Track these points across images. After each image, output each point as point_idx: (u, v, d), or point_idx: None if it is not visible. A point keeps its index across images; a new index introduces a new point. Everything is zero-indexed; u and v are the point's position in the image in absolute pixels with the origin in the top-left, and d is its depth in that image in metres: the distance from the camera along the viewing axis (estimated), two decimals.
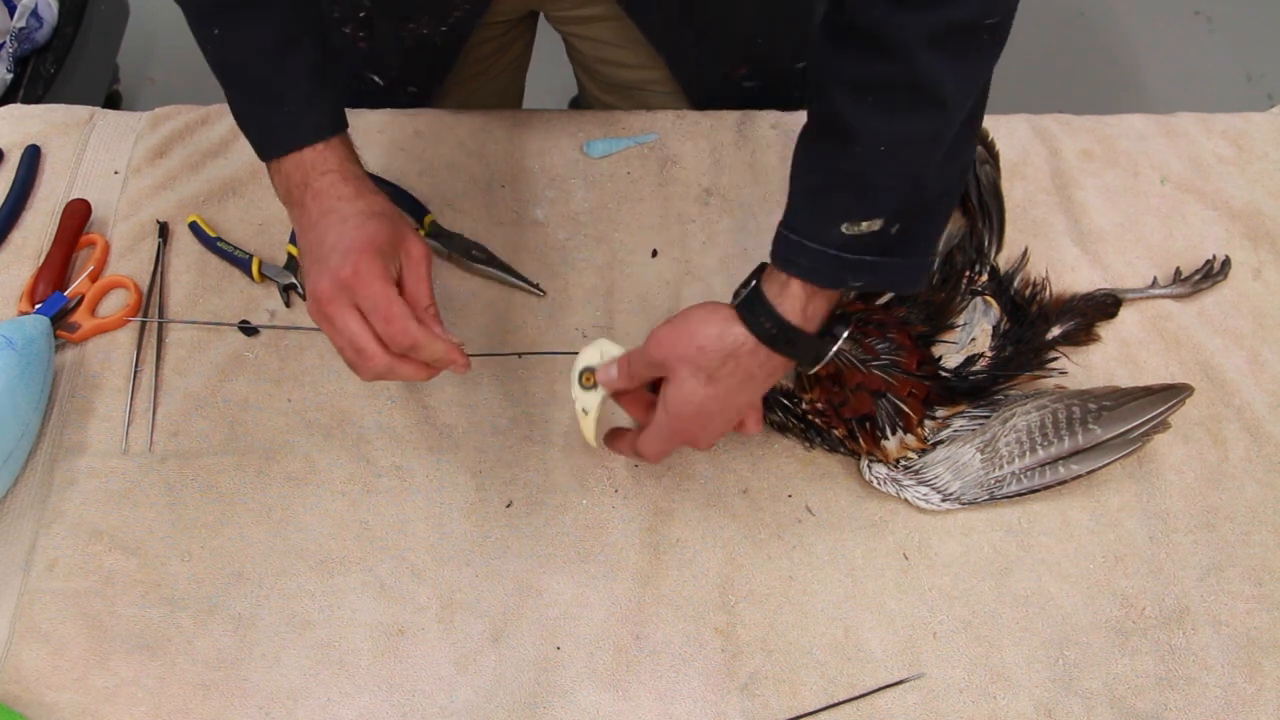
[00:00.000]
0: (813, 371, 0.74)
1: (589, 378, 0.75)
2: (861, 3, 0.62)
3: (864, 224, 0.66)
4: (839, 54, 0.65)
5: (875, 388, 0.83)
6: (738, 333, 0.69)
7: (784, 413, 0.84)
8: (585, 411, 0.76)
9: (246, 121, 0.75)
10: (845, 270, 0.68)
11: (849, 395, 0.83)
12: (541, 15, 1.09)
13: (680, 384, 0.71)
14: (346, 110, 0.76)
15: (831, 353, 0.72)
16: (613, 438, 0.79)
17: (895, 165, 0.66)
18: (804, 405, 0.83)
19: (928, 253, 0.72)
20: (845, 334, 0.72)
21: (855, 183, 0.66)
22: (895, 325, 0.87)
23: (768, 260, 0.70)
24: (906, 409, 0.83)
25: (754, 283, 0.70)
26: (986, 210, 0.96)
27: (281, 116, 0.73)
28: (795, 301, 0.69)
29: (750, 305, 0.69)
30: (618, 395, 0.77)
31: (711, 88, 1.08)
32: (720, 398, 0.71)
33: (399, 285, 0.71)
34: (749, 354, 0.70)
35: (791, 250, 0.68)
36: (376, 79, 1.06)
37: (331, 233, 0.71)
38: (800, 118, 1.07)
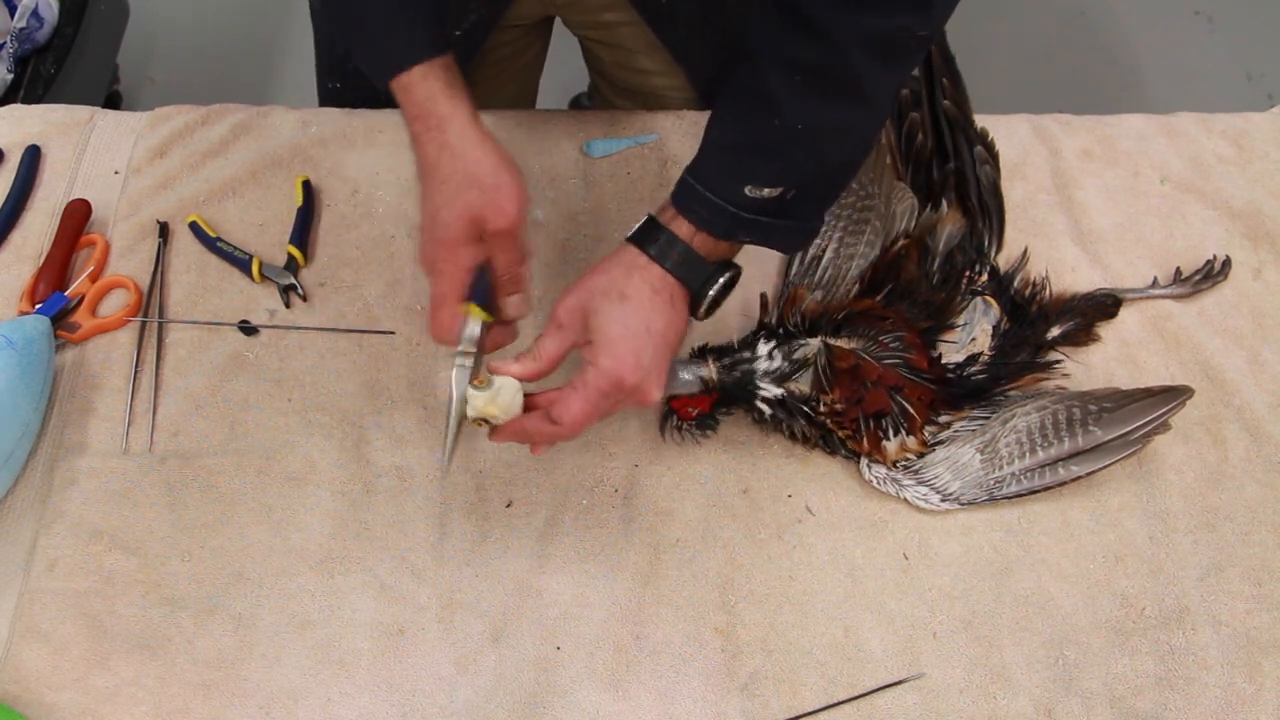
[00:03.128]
0: (703, 313, 0.75)
1: (482, 380, 0.71)
2: None
3: (766, 190, 0.70)
4: (780, 33, 0.69)
5: (891, 383, 0.83)
6: (630, 251, 0.73)
7: (805, 419, 0.83)
8: (472, 405, 0.71)
9: (357, 53, 0.77)
10: (739, 227, 0.72)
11: (865, 392, 0.83)
12: (557, 19, 1.09)
13: (598, 311, 0.71)
14: (354, 110, 0.76)
15: (716, 289, 0.73)
16: (514, 423, 0.73)
17: (810, 144, 0.70)
18: (823, 408, 0.83)
19: (815, 219, 0.76)
20: (725, 277, 0.74)
21: (770, 152, 0.70)
22: (903, 323, 0.87)
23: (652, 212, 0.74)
24: (913, 411, 0.83)
25: (646, 217, 0.74)
26: (986, 210, 0.96)
27: (378, 42, 0.74)
28: (682, 227, 0.72)
29: (641, 230, 0.73)
30: (494, 432, 0.73)
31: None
32: (638, 313, 0.71)
33: (491, 259, 0.73)
34: (644, 267, 0.72)
35: (693, 199, 0.72)
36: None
37: (433, 197, 0.72)
38: None
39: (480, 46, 1.02)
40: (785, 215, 0.73)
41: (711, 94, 1.07)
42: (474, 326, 0.72)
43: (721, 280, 0.74)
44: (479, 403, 0.71)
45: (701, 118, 1.05)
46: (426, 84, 0.72)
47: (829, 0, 0.66)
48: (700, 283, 0.73)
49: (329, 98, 1.10)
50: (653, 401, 0.73)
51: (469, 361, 0.72)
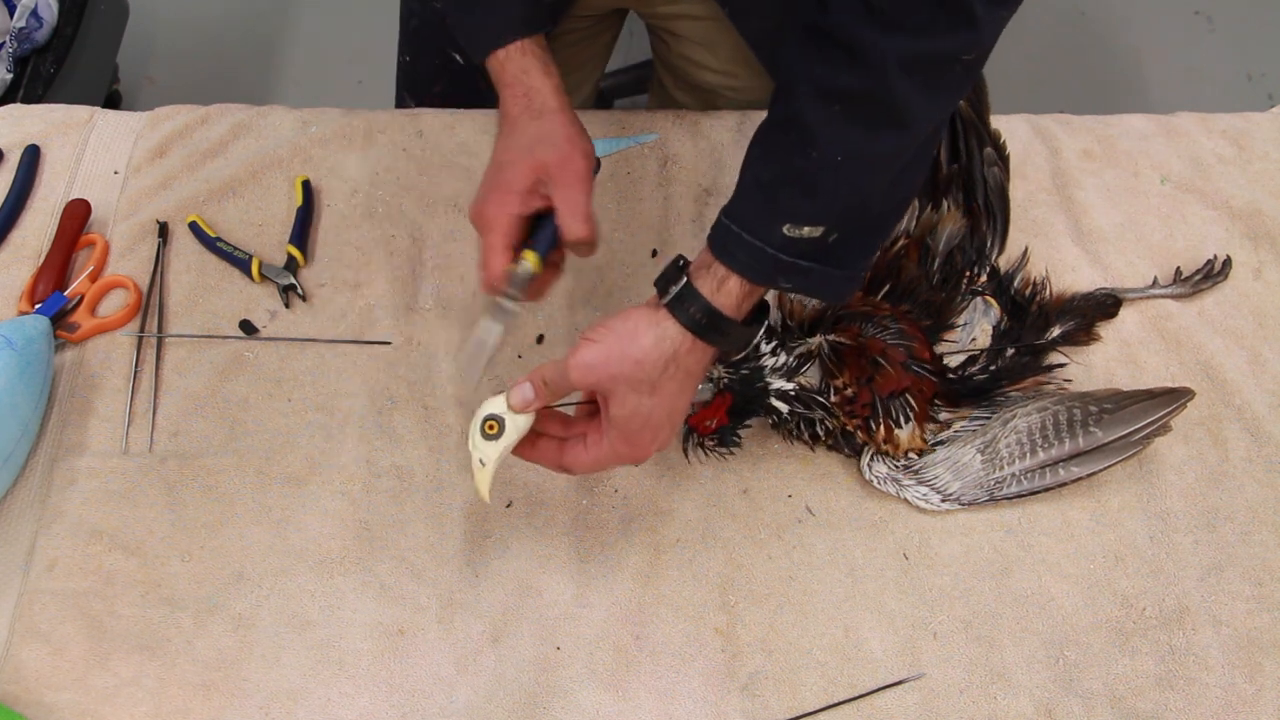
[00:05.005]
0: (738, 357, 0.74)
1: (492, 425, 0.70)
2: (845, 16, 0.63)
3: (806, 228, 0.67)
4: (814, 57, 0.65)
5: (901, 359, 0.83)
6: (671, 332, 0.68)
7: (823, 409, 0.83)
8: (483, 464, 0.71)
9: (455, 26, 0.81)
10: (779, 271, 0.68)
11: (875, 371, 0.82)
12: (631, 12, 1.09)
13: (624, 402, 0.69)
14: (354, 110, 0.77)
15: (759, 336, 0.72)
16: (533, 448, 0.73)
17: (848, 176, 0.66)
18: (835, 396, 0.82)
19: (860, 267, 0.72)
20: (768, 321, 0.72)
21: (807, 186, 0.66)
22: (903, 318, 0.87)
23: (683, 255, 0.70)
24: (914, 402, 0.83)
25: (684, 279, 0.68)
26: (992, 212, 0.96)
27: (475, 21, 0.78)
28: (731, 298, 0.68)
29: (683, 300, 0.68)
30: (518, 448, 0.73)
31: None
32: (664, 404, 0.70)
33: (552, 204, 0.74)
34: (687, 353, 0.69)
35: (731, 241, 0.68)
36: (457, 57, 1.05)
37: (504, 151, 0.76)
38: None
39: (559, 17, 1.01)
40: (827, 260, 0.68)
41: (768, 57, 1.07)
42: (525, 270, 0.73)
43: (760, 333, 0.72)
44: (487, 454, 0.71)
45: (702, 118, 1.05)
46: (523, 59, 0.76)
47: (868, 22, 0.62)
48: (743, 343, 0.71)
49: (402, 73, 1.11)
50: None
51: (513, 305, 0.73)
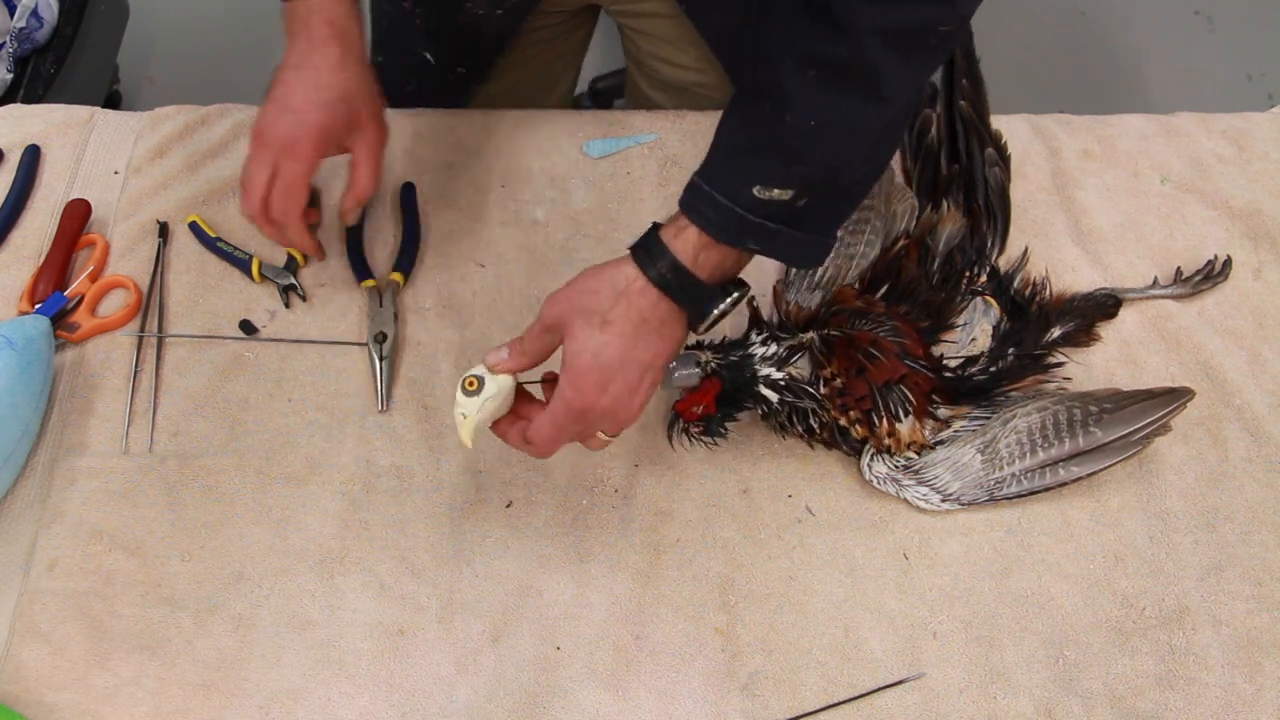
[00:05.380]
0: (702, 329, 0.73)
1: (472, 383, 0.72)
2: None
3: (775, 190, 0.68)
4: (797, 24, 0.66)
5: (896, 350, 0.82)
6: (628, 271, 0.70)
7: (814, 400, 0.82)
8: (464, 415, 0.72)
9: None
10: (746, 231, 0.69)
11: (869, 361, 0.81)
12: (602, 9, 1.09)
13: (575, 335, 0.70)
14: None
15: (719, 310, 0.71)
16: (501, 425, 0.75)
17: (822, 142, 0.67)
18: (824, 388, 0.82)
19: (828, 232, 0.73)
20: (734, 295, 0.72)
21: (779, 149, 0.68)
22: (898, 317, 0.87)
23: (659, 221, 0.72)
24: (911, 396, 0.83)
25: (650, 228, 0.71)
26: (992, 212, 0.96)
27: None
28: (688, 244, 0.69)
29: (644, 245, 0.70)
30: (494, 425, 0.75)
31: None
32: (616, 344, 0.69)
33: (353, 163, 0.84)
34: (639, 292, 0.70)
35: (700, 199, 0.69)
36: (429, 56, 1.06)
37: (301, 93, 0.81)
38: None
39: (520, 27, 1.02)
40: (797, 225, 0.69)
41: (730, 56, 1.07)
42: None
43: (725, 303, 0.71)
44: (468, 408, 0.72)
45: (702, 118, 1.05)
46: (335, 3, 0.81)
47: None
48: (701, 305, 0.71)
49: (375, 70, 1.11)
50: (626, 424, 0.73)
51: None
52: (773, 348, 0.82)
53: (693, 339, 0.77)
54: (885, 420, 0.82)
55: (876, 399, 0.82)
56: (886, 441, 0.83)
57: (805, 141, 0.67)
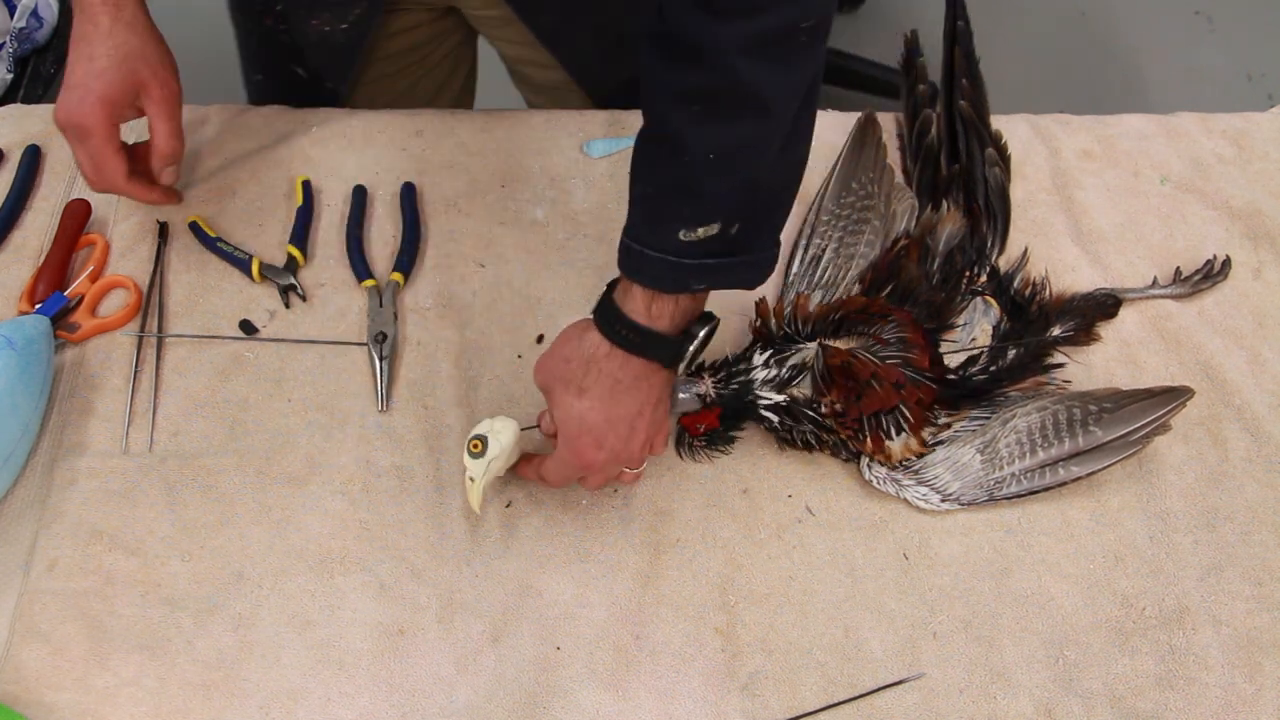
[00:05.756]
0: (681, 369, 0.75)
1: (476, 445, 0.76)
2: (677, 13, 0.63)
3: (700, 230, 0.67)
4: (662, 64, 0.65)
5: (894, 379, 0.83)
6: (592, 338, 0.72)
7: (813, 423, 0.83)
8: (472, 479, 0.77)
9: None
10: (687, 275, 0.69)
11: (864, 389, 0.82)
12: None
13: (558, 403, 0.73)
14: (354, 110, 0.78)
15: (690, 351, 0.73)
16: (520, 463, 0.81)
17: (725, 171, 0.66)
18: (825, 409, 0.83)
19: (770, 246, 0.72)
20: (703, 332, 0.73)
21: (687, 190, 0.67)
22: (909, 324, 0.87)
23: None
24: (909, 414, 0.83)
25: (606, 290, 0.72)
26: (992, 213, 0.96)
27: None
28: (637, 303, 0.70)
29: (601, 310, 0.72)
30: (517, 465, 0.80)
31: (614, 90, 1.08)
32: (598, 409, 0.72)
33: (150, 126, 0.86)
34: (605, 357, 0.71)
35: (634, 259, 0.70)
36: (300, 71, 1.06)
37: (79, 68, 0.82)
38: None
39: (365, 40, 1.01)
40: (735, 251, 0.69)
41: (597, 87, 1.08)
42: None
43: (694, 344, 0.73)
44: (475, 471, 0.77)
45: None
46: None
47: (703, 16, 0.62)
48: (670, 353, 0.72)
49: (255, 91, 1.11)
50: (635, 463, 0.77)
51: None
52: (774, 370, 0.83)
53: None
54: (870, 439, 0.83)
55: (866, 422, 0.83)
56: (877, 457, 0.84)
57: (710, 176, 0.66)
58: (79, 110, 0.82)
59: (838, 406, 0.82)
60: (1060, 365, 0.90)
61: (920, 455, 0.84)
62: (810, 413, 0.83)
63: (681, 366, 0.74)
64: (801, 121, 0.69)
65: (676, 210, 0.68)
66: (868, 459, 0.84)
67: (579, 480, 0.78)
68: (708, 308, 0.75)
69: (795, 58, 0.65)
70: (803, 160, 0.73)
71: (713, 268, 0.69)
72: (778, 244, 0.73)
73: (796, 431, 0.84)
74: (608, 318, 0.71)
